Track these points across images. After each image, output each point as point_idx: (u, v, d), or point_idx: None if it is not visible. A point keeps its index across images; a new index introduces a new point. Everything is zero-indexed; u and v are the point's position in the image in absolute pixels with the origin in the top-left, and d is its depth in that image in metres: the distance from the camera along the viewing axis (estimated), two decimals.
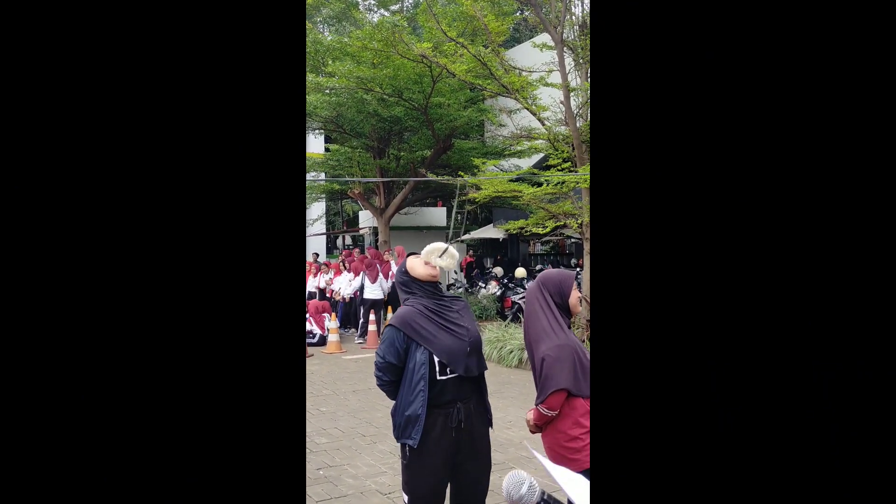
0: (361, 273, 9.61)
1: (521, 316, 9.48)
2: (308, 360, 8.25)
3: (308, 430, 4.95)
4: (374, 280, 9.49)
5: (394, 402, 2.32)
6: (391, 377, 2.28)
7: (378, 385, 2.33)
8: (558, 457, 2.18)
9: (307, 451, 4.46)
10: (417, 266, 2.34)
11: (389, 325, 2.28)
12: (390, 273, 10.01)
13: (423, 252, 2.34)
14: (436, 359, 2.21)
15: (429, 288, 2.33)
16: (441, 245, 2.35)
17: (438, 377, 2.21)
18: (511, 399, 5.85)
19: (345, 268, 10.63)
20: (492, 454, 2.42)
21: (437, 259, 2.32)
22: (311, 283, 11.04)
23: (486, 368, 2.35)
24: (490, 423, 2.38)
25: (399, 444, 2.29)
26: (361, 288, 9.57)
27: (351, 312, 10.26)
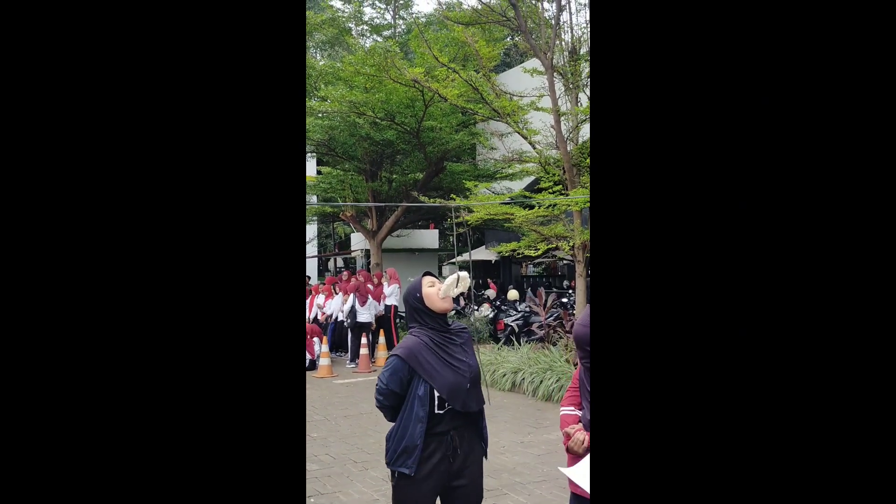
0: (352, 295, 9.53)
1: (513, 339, 9.44)
2: None
3: None
4: (363, 303, 9.45)
5: (391, 423, 2.32)
6: (391, 402, 2.28)
7: (377, 406, 2.34)
8: None
9: None
10: (434, 297, 2.30)
11: (395, 355, 2.27)
12: (382, 296, 9.97)
13: (443, 288, 2.30)
14: (436, 393, 2.21)
15: (439, 320, 2.32)
16: (454, 277, 2.32)
17: (436, 410, 2.22)
18: (504, 423, 5.79)
19: (335, 291, 10.59)
20: (486, 479, 2.40)
21: (455, 290, 2.30)
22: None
23: (483, 403, 2.34)
24: (485, 453, 2.38)
25: (390, 468, 2.28)
26: (352, 312, 9.48)
27: (345, 336, 10.19)
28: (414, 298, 2.33)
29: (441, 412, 2.22)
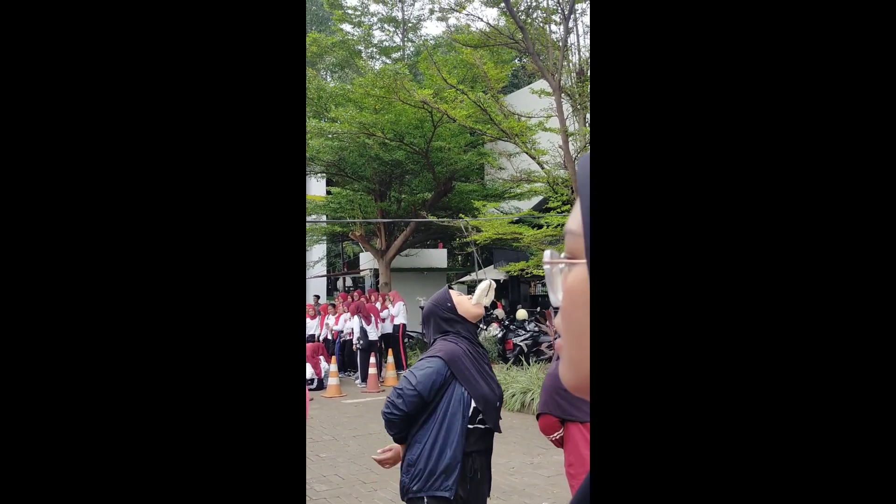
0: (356, 316, 9.51)
1: (522, 359, 9.39)
2: (308, 405, 8.13)
3: (308, 476, 4.86)
4: (369, 322, 9.46)
5: (396, 439, 2.10)
6: (411, 410, 2.02)
7: (388, 417, 2.06)
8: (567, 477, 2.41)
9: (307, 499, 4.36)
10: (466, 304, 2.18)
11: (436, 356, 2.07)
12: (390, 316, 9.98)
13: (476, 295, 2.20)
14: (472, 405, 2.05)
15: (472, 330, 2.19)
16: (486, 283, 2.23)
17: (468, 425, 2.04)
18: (514, 444, 5.74)
19: (344, 310, 10.63)
20: (496, 501, 2.37)
21: (486, 298, 2.21)
22: (313, 326, 10.98)
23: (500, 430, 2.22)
24: (489, 492, 2.20)
25: (410, 497, 2.03)
26: (362, 332, 9.46)
27: (353, 355, 10.18)
28: (445, 308, 2.18)
29: (471, 427, 2.05)
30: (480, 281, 2.38)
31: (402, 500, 2.07)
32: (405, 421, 2.04)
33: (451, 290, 2.24)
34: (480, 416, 2.08)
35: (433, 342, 2.21)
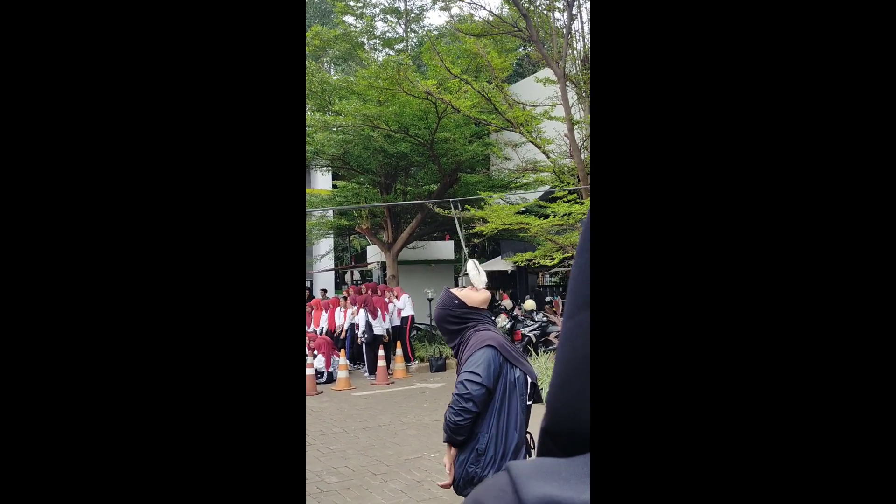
0: (362, 310, 9.51)
1: (531, 349, 9.39)
2: (318, 398, 8.18)
3: (318, 468, 4.89)
4: (375, 316, 9.46)
5: (456, 443, 2.03)
6: (480, 409, 1.96)
7: (460, 423, 1.95)
8: None
9: (318, 490, 4.39)
10: (472, 294, 2.15)
11: (484, 346, 2.03)
12: (397, 310, 9.99)
13: (471, 277, 2.17)
14: (528, 380, 2.06)
15: (489, 316, 2.18)
16: (471, 266, 2.21)
17: (528, 402, 2.06)
18: None
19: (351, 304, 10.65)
20: None
21: (481, 277, 2.18)
22: (324, 319, 10.98)
23: None
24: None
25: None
26: (368, 326, 9.45)
27: (362, 349, 10.21)
28: (454, 307, 2.14)
29: (529, 404, 2.06)
30: (466, 273, 2.35)
31: (461, 494, 2.03)
32: (475, 420, 1.99)
33: (451, 290, 2.22)
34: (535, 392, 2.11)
35: (462, 339, 2.14)
